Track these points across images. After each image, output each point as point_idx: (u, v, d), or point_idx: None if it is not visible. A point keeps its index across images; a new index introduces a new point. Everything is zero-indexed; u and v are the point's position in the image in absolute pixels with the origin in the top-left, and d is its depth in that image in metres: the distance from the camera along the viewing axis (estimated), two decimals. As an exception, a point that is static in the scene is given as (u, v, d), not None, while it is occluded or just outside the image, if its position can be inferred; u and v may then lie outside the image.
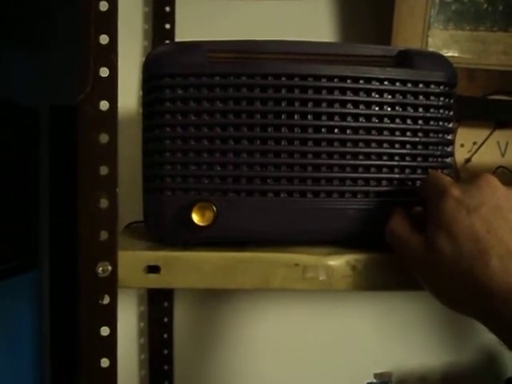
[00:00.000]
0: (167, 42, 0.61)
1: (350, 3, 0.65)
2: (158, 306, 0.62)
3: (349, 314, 0.67)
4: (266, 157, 0.36)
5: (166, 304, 0.62)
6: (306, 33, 0.63)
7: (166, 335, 0.62)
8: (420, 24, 0.56)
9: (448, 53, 0.56)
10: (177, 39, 0.62)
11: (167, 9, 0.61)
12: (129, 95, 0.63)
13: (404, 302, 0.67)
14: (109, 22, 0.33)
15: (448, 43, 0.56)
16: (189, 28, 0.63)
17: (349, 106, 0.36)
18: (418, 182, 0.38)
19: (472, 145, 0.53)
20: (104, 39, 0.33)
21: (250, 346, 0.66)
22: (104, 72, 0.33)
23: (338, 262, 0.35)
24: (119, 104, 0.34)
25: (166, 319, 0.62)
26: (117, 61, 0.33)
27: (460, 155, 0.53)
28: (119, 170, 0.34)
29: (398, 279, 0.35)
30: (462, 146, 0.53)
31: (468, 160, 0.53)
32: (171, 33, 0.62)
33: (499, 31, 0.57)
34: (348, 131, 0.36)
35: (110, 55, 0.33)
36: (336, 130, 0.36)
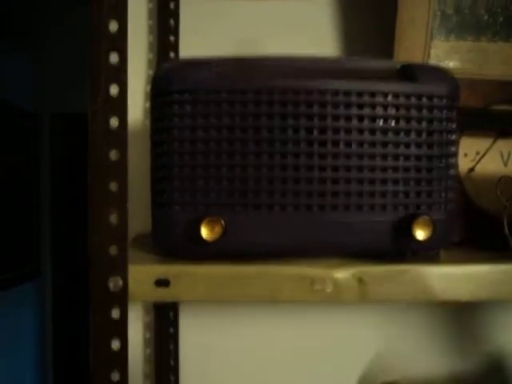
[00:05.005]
0: (172, 55, 0.62)
1: (352, 13, 0.66)
2: (164, 317, 0.62)
3: (353, 321, 0.67)
4: (272, 171, 0.36)
5: (171, 314, 0.62)
6: (309, 41, 0.64)
7: (171, 346, 0.62)
8: (422, 35, 0.57)
9: (450, 63, 0.57)
10: (181, 52, 0.63)
11: (171, 22, 0.62)
12: (134, 108, 0.64)
13: (408, 310, 0.67)
14: (119, 41, 0.34)
15: (450, 54, 0.57)
16: (193, 40, 0.64)
17: (354, 120, 0.37)
18: (423, 194, 0.38)
19: (475, 154, 0.54)
20: (114, 58, 0.34)
21: (256, 356, 0.66)
22: (114, 89, 0.34)
23: (345, 274, 0.35)
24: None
25: (171, 330, 0.62)
26: (126, 79, 0.34)
27: (463, 165, 0.53)
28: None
29: (405, 291, 0.36)
30: (465, 155, 0.53)
31: (471, 169, 0.53)
32: (175, 45, 0.63)
33: (500, 41, 0.57)
34: (353, 145, 0.37)
35: (120, 74, 0.34)
36: (341, 145, 0.37)
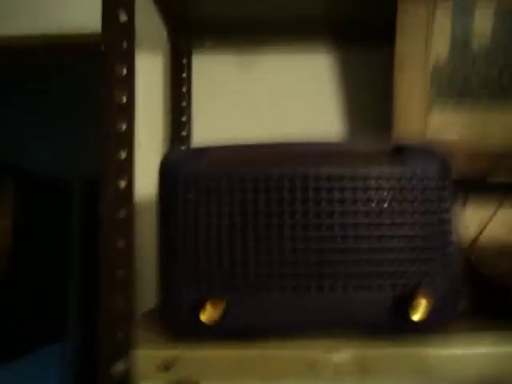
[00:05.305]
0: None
1: (354, 90, 0.70)
2: None
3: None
4: (271, 255, 0.38)
5: None
6: (315, 115, 0.68)
7: None
8: (420, 109, 0.59)
9: (449, 136, 0.59)
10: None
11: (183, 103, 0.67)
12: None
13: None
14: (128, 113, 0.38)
15: (448, 126, 0.59)
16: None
17: (348, 203, 0.39)
18: (417, 274, 0.39)
19: (479, 223, 0.54)
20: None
21: None
22: (122, 155, 0.37)
23: (344, 357, 0.36)
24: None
25: None
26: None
27: (467, 235, 0.54)
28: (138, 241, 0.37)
29: (406, 373, 0.36)
30: (469, 225, 0.54)
31: (475, 239, 0.54)
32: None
33: (496, 112, 0.59)
34: (349, 228, 0.39)
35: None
36: (337, 227, 0.39)
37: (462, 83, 0.60)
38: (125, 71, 0.39)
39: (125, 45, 0.40)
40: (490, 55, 0.59)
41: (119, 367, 0.35)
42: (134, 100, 0.40)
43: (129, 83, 0.40)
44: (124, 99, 0.39)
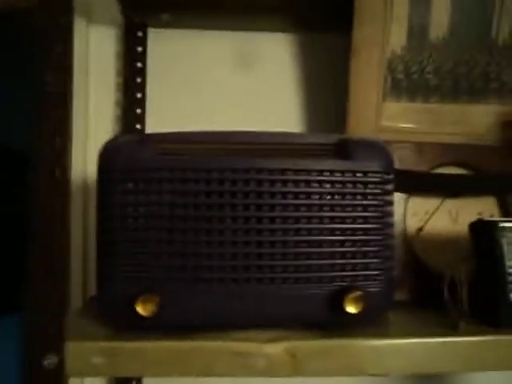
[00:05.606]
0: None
1: (314, 75, 0.69)
2: None
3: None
4: (211, 247, 0.38)
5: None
6: (268, 93, 0.67)
7: None
8: (374, 97, 0.59)
9: (402, 124, 0.59)
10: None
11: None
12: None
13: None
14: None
15: (401, 115, 0.60)
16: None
17: (290, 196, 0.39)
18: (359, 266, 0.40)
19: (424, 214, 0.55)
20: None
21: None
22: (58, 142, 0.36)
23: (277, 349, 0.36)
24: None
25: None
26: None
27: (413, 224, 0.55)
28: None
29: (338, 365, 0.37)
30: (414, 215, 0.55)
31: (420, 229, 0.55)
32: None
33: (449, 103, 0.60)
34: (290, 221, 0.39)
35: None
36: (278, 220, 0.39)
37: (418, 73, 0.60)
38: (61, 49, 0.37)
39: (63, 20, 0.38)
40: (446, 47, 0.59)
41: (51, 359, 0.34)
42: (71, 83, 0.38)
43: (65, 63, 0.38)
44: (61, 81, 0.37)
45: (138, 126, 0.65)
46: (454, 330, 0.40)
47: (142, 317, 0.36)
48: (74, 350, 0.35)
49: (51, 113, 0.36)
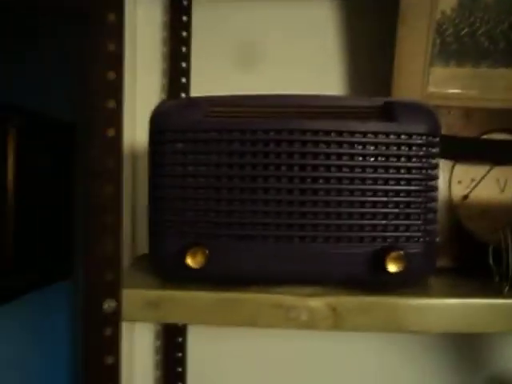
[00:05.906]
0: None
1: (356, 36, 0.68)
2: (172, 341, 0.66)
3: (353, 348, 0.68)
4: (255, 205, 0.39)
5: (179, 339, 0.66)
6: (312, 62, 0.67)
7: (179, 369, 0.66)
8: (421, 61, 0.58)
9: (450, 90, 0.58)
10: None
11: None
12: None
13: (408, 337, 0.68)
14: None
15: (449, 80, 0.58)
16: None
17: (333, 157, 0.39)
18: (401, 228, 0.40)
19: (470, 181, 0.54)
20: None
21: (264, 380, 0.68)
22: (111, 104, 0.38)
23: (319, 303, 0.38)
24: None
25: (179, 354, 0.66)
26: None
27: (458, 192, 0.54)
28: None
29: (378, 321, 0.38)
30: (459, 182, 0.54)
31: (466, 197, 0.54)
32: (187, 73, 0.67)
33: (501, 67, 0.58)
34: (332, 181, 0.39)
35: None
36: (321, 180, 0.39)
37: (468, 36, 0.58)
38: (114, 18, 0.39)
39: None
40: (500, 7, 0.56)
41: (110, 304, 0.37)
42: (123, 48, 0.39)
43: (118, 31, 0.39)
44: (113, 47, 0.38)
45: (183, 95, 0.67)
46: (498, 293, 0.40)
47: (190, 268, 0.38)
48: (129, 296, 0.38)
49: (106, 74, 0.38)
